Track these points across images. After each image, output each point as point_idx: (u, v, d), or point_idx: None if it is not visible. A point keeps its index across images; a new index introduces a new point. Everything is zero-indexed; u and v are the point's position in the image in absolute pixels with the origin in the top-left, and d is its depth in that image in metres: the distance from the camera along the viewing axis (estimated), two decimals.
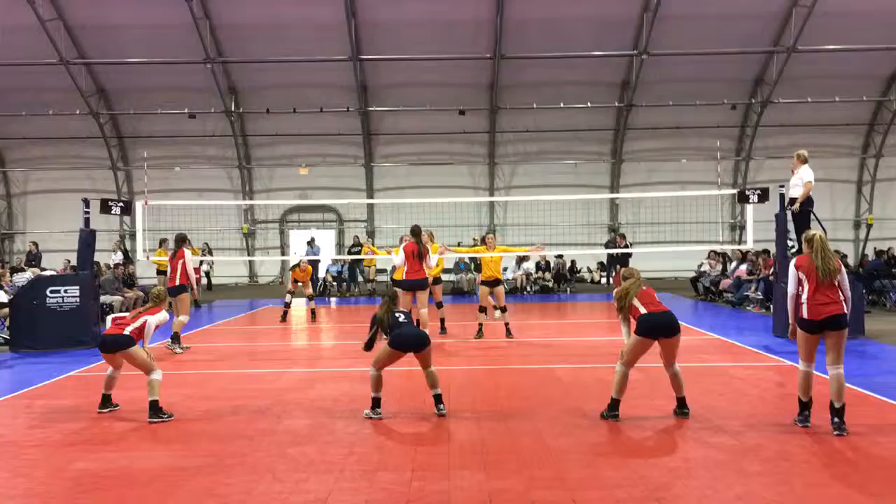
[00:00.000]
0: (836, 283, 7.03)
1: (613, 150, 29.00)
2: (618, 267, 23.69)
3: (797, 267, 7.23)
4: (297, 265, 17.91)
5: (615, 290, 7.89)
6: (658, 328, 7.40)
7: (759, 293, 18.53)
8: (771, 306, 15.42)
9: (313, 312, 17.68)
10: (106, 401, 8.24)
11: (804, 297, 7.08)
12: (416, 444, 6.85)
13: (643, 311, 7.45)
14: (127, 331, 7.93)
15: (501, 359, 11.81)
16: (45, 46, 24.45)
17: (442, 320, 14.52)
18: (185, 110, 26.75)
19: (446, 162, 28.84)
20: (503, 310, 13.86)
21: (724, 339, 13.45)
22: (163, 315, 8.34)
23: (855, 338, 12.83)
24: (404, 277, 12.63)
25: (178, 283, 13.04)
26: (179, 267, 13.08)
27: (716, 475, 5.86)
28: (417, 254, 12.48)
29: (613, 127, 28.63)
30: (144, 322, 8.06)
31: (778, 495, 5.43)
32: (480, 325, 13.87)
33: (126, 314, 8.47)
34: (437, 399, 7.84)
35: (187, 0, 23.34)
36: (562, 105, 26.74)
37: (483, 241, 14.78)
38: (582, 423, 7.48)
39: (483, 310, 13.95)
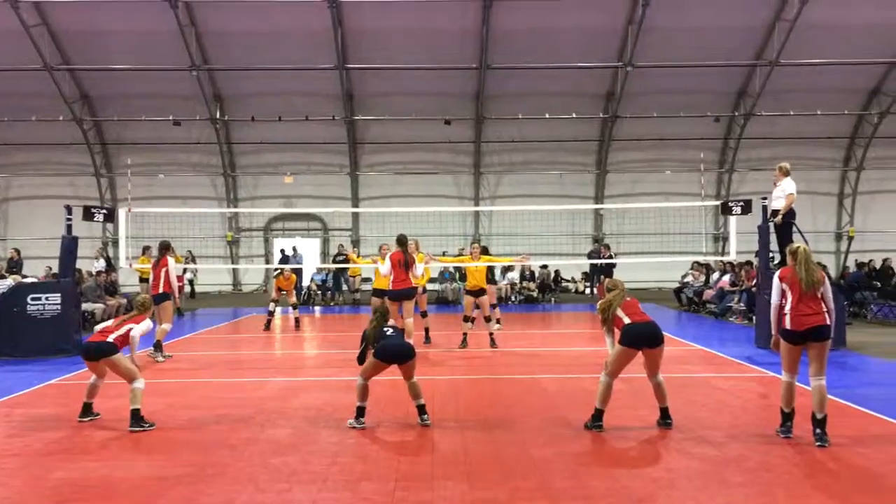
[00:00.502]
0: (820, 295, 7.11)
1: (598, 160, 29.14)
2: (602, 277, 23.74)
3: (781, 278, 7.29)
4: (281, 273, 17.87)
5: (599, 302, 7.89)
6: (642, 338, 7.43)
7: (742, 304, 18.64)
8: (753, 317, 15.51)
9: (297, 321, 17.61)
10: (87, 409, 8.14)
11: (787, 308, 7.14)
12: (399, 454, 6.82)
13: (627, 321, 7.46)
14: (111, 338, 7.89)
15: (486, 368, 11.81)
16: (29, 52, 24.30)
17: (426, 330, 14.52)
18: (170, 117, 26.66)
19: (432, 171, 28.88)
20: (488, 319, 13.86)
21: (707, 349, 13.51)
22: (147, 323, 8.31)
23: (836, 349, 12.91)
24: (391, 287, 12.56)
25: (160, 290, 12.88)
26: (162, 275, 12.89)
27: (698, 486, 5.88)
28: (404, 263, 12.45)
29: (598, 138, 28.78)
30: (129, 330, 8.01)
31: None
32: (465, 334, 13.86)
33: (110, 322, 8.34)
34: (421, 409, 7.83)
35: (173, 7, 23.28)
36: (547, 116, 26.86)
37: (478, 250, 14.67)
38: (566, 433, 7.48)
39: (467, 319, 13.94)
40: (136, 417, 7.69)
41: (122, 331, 7.99)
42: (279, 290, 17.68)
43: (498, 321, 14.47)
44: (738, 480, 6.00)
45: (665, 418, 7.69)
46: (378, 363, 7.80)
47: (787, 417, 7.24)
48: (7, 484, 6.09)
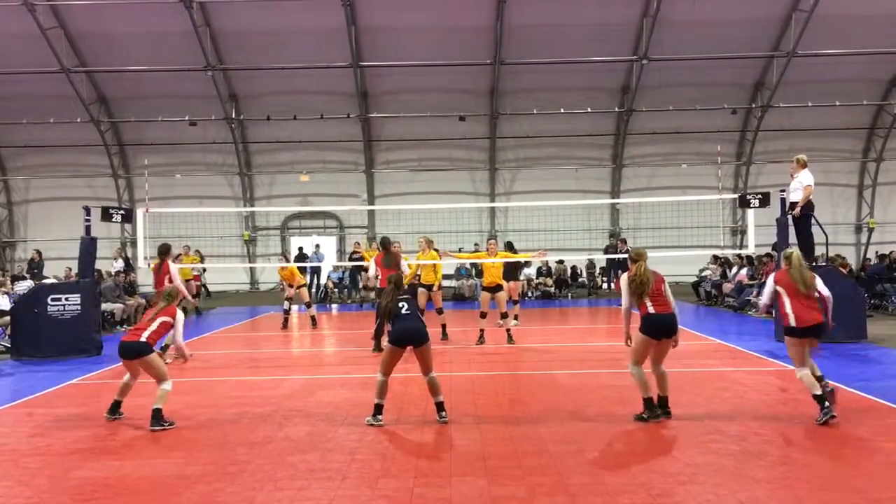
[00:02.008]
0: (818, 294, 7.68)
1: (614, 155, 29.00)
2: (619, 272, 23.67)
3: (776, 282, 7.86)
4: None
5: (627, 275, 7.97)
6: (661, 330, 7.72)
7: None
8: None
9: (313, 319, 17.40)
10: (115, 407, 8.21)
11: (788, 308, 7.66)
12: (417, 451, 6.83)
13: (651, 310, 7.69)
14: (143, 337, 7.93)
15: (502, 365, 11.80)
16: (46, 54, 24.49)
17: (444, 326, 14.49)
18: (186, 117, 26.78)
19: (447, 168, 28.84)
20: (504, 316, 13.84)
21: (726, 343, 13.43)
22: (180, 314, 8.35)
23: (857, 342, 12.85)
24: (378, 286, 13.06)
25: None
26: (166, 281, 12.20)
27: (718, 481, 5.84)
28: (389, 265, 12.72)
29: (614, 132, 28.63)
30: (161, 324, 8.09)
31: (781, 501, 5.41)
32: (482, 330, 13.84)
33: (142, 319, 8.42)
34: (440, 407, 7.83)
35: (188, 8, 23.39)
36: (562, 111, 26.74)
37: (494, 247, 14.72)
38: (584, 429, 7.46)
39: (484, 315, 13.91)
40: (158, 417, 7.74)
41: (155, 326, 8.05)
42: (289, 285, 17.43)
43: (515, 317, 14.42)
44: (759, 475, 5.95)
45: (664, 407, 7.82)
46: (394, 350, 7.77)
47: (821, 399, 7.40)
48: (30, 483, 6.15)
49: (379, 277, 12.90)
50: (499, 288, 13.80)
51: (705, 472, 6.09)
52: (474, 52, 25.56)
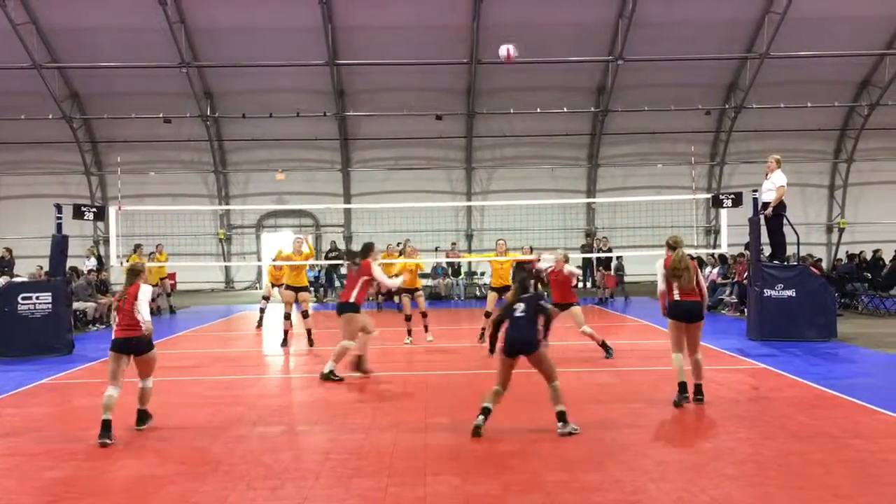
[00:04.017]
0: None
1: (590, 154, 29.14)
2: (600, 269, 23.87)
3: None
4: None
5: (664, 262, 8.57)
6: (683, 315, 8.43)
7: (734, 297, 18.69)
8: (745, 310, 15.56)
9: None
10: (107, 428, 7.17)
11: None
12: (391, 450, 6.82)
13: (677, 297, 8.41)
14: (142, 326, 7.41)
15: (481, 363, 11.78)
16: (17, 50, 24.10)
17: (426, 326, 14.42)
18: (160, 114, 26.50)
19: (423, 167, 28.82)
20: None
21: None
22: (147, 287, 7.70)
23: (827, 340, 13.03)
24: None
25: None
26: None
27: (690, 478, 5.90)
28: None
29: (589, 132, 28.76)
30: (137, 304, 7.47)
31: (752, 498, 5.48)
32: (483, 329, 13.75)
33: (115, 310, 7.65)
34: (560, 416, 7.25)
35: (162, 4, 23.14)
36: (538, 110, 26.82)
37: (503, 246, 14.65)
38: (558, 427, 7.48)
39: (489, 315, 13.73)
40: (145, 417, 7.72)
41: (137, 313, 7.41)
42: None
43: None
44: (730, 472, 6.02)
45: (698, 394, 8.39)
46: (506, 361, 7.37)
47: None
48: None
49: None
50: (508, 289, 13.48)
51: (677, 468, 6.15)
52: (451, 52, 25.56)
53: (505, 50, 15.56)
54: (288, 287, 14.49)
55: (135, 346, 7.46)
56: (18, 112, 26.22)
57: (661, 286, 8.62)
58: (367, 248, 10.89)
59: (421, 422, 7.76)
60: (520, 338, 7.29)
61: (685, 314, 8.39)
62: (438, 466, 6.27)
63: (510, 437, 7.15)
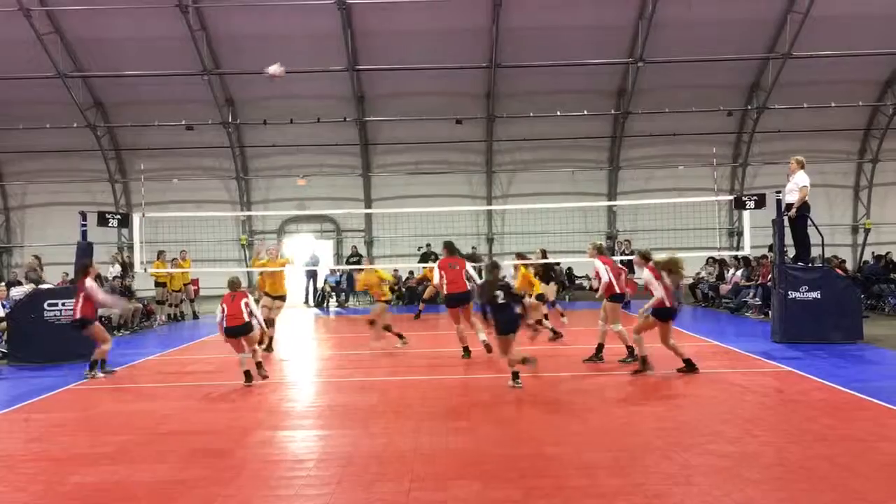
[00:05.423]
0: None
1: (610, 157, 29.03)
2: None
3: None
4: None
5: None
6: (672, 318, 10.30)
7: (758, 299, 18.52)
8: (769, 312, 15.41)
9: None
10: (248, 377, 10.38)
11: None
12: (413, 455, 6.82)
13: (667, 304, 10.05)
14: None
15: (497, 367, 11.74)
16: (42, 60, 24.48)
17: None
18: (183, 122, 26.77)
19: (444, 171, 28.84)
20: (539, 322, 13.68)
21: (722, 345, 13.43)
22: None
23: (854, 342, 12.87)
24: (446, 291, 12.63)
25: (79, 315, 11.42)
26: (81, 300, 11.39)
27: (714, 482, 5.85)
28: (452, 266, 12.64)
29: (610, 134, 28.66)
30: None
31: (777, 502, 5.42)
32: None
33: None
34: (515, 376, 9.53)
35: (184, 12, 23.39)
36: (558, 113, 26.75)
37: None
38: (580, 432, 7.46)
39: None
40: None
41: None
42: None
43: (562, 315, 15.72)
44: (755, 476, 5.96)
45: (691, 364, 10.27)
46: (502, 339, 9.36)
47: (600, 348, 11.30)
48: (26, 489, 6.14)
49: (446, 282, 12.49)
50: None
51: (701, 472, 6.09)
52: (470, 55, 25.58)
53: (272, 70, 16.62)
54: (266, 294, 14.28)
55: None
56: (43, 121, 26.59)
57: (657, 295, 10.20)
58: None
59: (442, 426, 7.76)
60: (504, 318, 9.30)
61: (673, 317, 10.39)
62: (460, 471, 6.27)
63: (530, 442, 7.13)
